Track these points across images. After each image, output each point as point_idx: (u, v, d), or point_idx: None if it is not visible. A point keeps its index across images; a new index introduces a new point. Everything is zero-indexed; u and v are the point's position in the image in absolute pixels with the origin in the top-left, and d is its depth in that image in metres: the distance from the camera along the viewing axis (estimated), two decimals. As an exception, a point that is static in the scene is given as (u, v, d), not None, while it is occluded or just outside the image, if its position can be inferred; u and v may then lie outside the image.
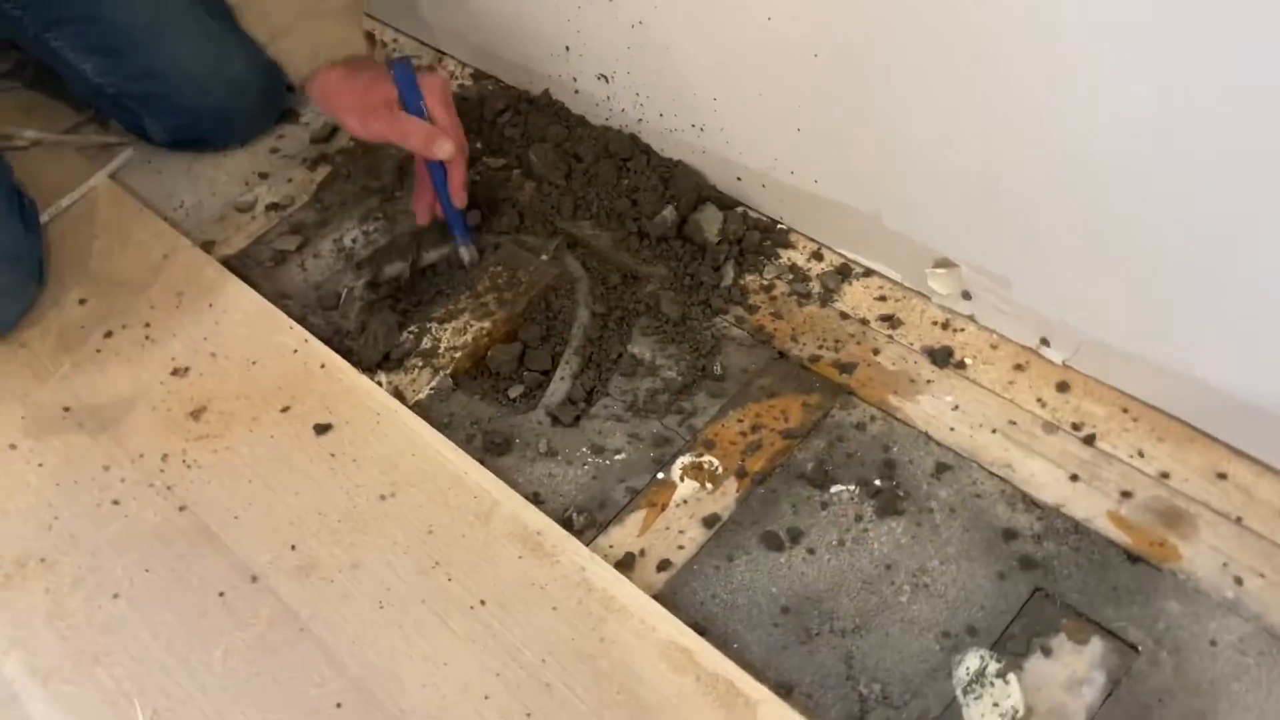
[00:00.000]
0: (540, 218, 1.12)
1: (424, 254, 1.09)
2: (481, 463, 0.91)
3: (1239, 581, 0.81)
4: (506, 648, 0.79)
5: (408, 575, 0.83)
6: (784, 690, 0.78)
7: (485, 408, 0.98)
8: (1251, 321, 0.80)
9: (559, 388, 0.98)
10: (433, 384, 0.99)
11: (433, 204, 1.06)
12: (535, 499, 0.90)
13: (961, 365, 0.96)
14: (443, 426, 0.95)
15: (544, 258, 1.08)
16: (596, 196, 1.12)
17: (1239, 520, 0.84)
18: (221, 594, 0.84)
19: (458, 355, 1.01)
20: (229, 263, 1.10)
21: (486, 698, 0.76)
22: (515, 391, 0.99)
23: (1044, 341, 0.94)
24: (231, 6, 1.03)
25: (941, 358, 0.96)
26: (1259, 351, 0.81)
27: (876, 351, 0.98)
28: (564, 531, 0.85)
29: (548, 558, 0.84)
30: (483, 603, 0.81)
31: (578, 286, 1.05)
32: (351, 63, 1.00)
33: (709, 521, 0.88)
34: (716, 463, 0.92)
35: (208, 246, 1.12)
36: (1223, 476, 0.86)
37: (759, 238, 1.07)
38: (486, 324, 1.03)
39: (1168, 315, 0.84)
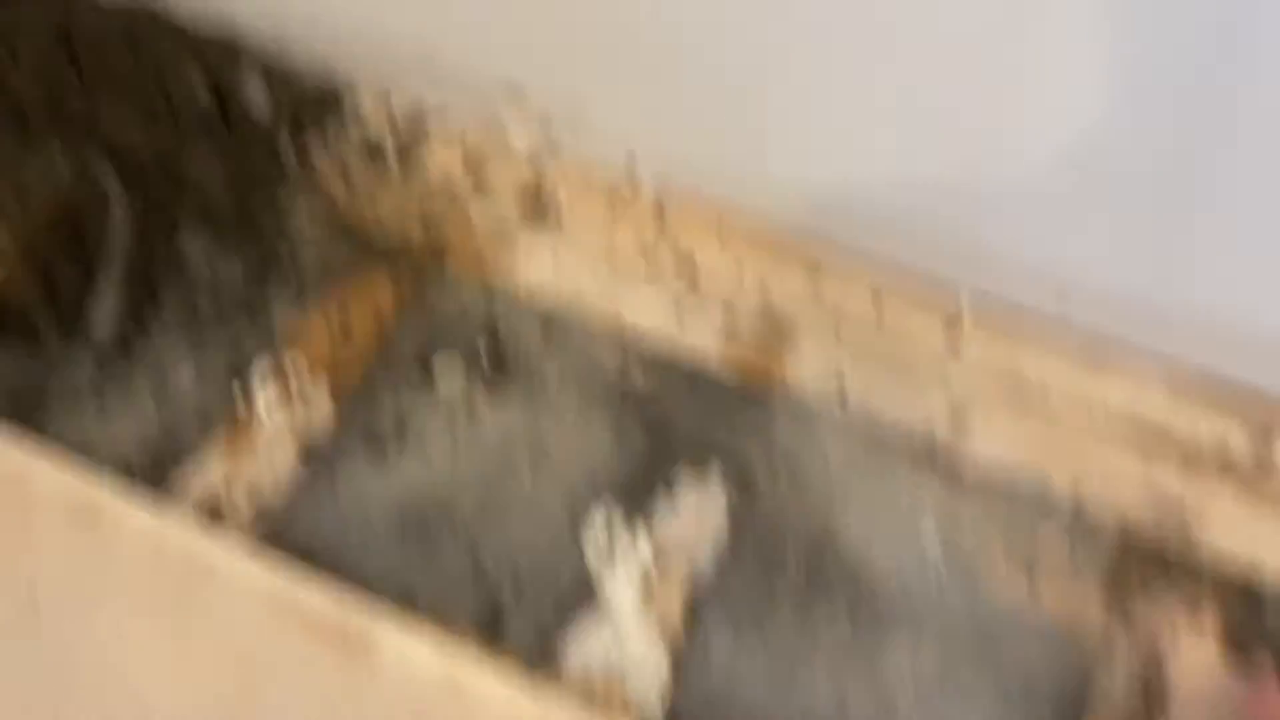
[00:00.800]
0: (50, 119, 0.92)
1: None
2: (13, 428, 0.75)
3: (842, 388, 0.81)
4: (65, 655, 0.66)
5: (-76, 593, 0.68)
6: (409, 605, 0.71)
7: (7, 361, 0.81)
8: (813, 110, 0.78)
9: (101, 316, 0.83)
10: (-69, 346, 0.80)
11: None
12: (87, 458, 0.76)
13: (554, 212, 0.89)
14: (-48, 397, 0.77)
15: (59, 164, 0.89)
16: (115, 85, 0.93)
17: (837, 327, 0.84)
18: None
19: (-40, 304, 0.82)
20: None
21: None
22: (47, 333, 0.83)
23: (632, 173, 0.89)
24: None
25: (533, 208, 0.89)
26: (828, 142, 0.80)
27: (464, 211, 0.89)
28: (125, 493, 0.72)
29: (109, 530, 0.70)
30: (31, 607, 0.67)
31: (108, 193, 0.88)
32: None
33: (303, 435, 0.78)
34: (304, 365, 0.81)
35: None
36: (816, 270, 0.85)
37: (316, 104, 0.93)
38: (-8, 259, 0.84)
39: (738, 119, 0.81)
